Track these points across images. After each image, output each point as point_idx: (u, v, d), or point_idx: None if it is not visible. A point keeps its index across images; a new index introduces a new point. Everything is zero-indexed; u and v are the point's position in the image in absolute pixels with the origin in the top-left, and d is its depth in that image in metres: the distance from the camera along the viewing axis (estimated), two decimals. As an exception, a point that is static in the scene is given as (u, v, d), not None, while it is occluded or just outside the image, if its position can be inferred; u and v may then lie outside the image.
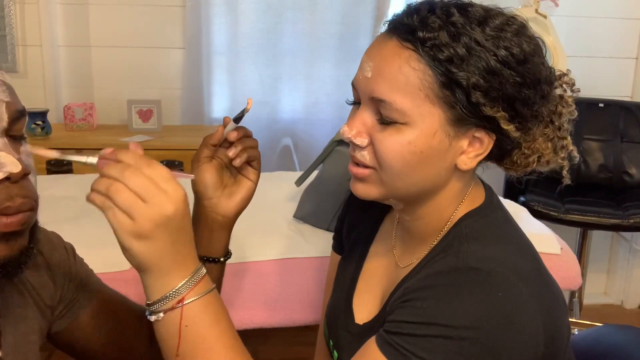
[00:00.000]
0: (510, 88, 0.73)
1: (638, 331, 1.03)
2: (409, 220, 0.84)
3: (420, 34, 0.72)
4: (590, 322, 2.52)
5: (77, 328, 0.90)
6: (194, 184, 0.89)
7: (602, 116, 2.88)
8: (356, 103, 0.80)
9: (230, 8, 2.90)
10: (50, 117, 2.72)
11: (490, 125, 0.75)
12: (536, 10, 2.55)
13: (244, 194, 0.90)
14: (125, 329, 0.94)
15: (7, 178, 0.65)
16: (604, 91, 2.98)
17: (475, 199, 0.83)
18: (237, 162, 0.87)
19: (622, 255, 3.11)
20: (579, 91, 0.85)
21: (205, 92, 2.92)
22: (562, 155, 0.85)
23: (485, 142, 0.76)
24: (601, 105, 2.89)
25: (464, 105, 0.72)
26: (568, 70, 0.86)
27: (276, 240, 1.53)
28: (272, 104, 3.01)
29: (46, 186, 1.88)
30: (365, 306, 0.90)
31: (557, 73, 0.84)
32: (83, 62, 2.96)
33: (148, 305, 0.72)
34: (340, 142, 1.66)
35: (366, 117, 0.76)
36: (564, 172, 0.86)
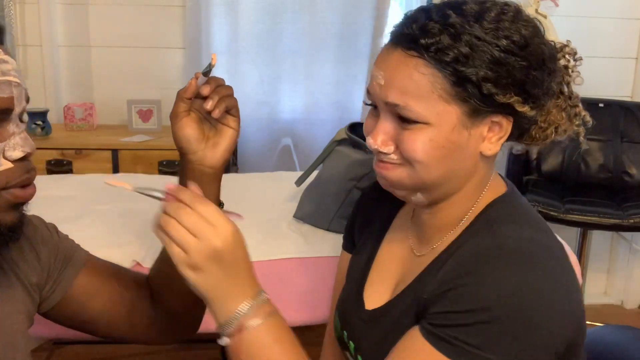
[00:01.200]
0: (518, 73, 0.76)
1: (638, 331, 1.03)
2: (430, 212, 0.86)
3: (423, 41, 0.74)
4: (590, 322, 2.51)
5: (71, 300, 0.90)
6: (177, 140, 0.90)
7: (602, 116, 2.88)
8: (374, 105, 0.83)
9: (230, 8, 2.90)
10: (50, 117, 2.72)
11: (505, 110, 0.77)
12: (536, 10, 2.55)
13: (227, 143, 0.92)
14: (123, 293, 0.95)
15: (24, 156, 0.74)
16: (604, 91, 2.97)
17: (496, 189, 0.86)
18: (215, 114, 0.87)
19: (622, 255, 3.11)
20: (581, 59, 0.89)
21: (205, 92, 2.92)
22: (577, 122, 0.89)
23: (504, 125, 0.79)
24: (601, 105, 2.89)
25: (478, 98, 0.75)
26: (568, 40, 0.89)
27: (276, 240, 1.53)
28: (272, 104, 3.01)
29: (46, 186, 1.88)
30: (376, 293, 0.92)
31: (558, 45, 0.87)
32: (83, 62, 2.96)
33: (218, 331, 0.76)
34: (340, 142, 1.66)
35: (386, 124, 0.80)
36: (581, 138, 0.90)
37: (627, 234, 3.02)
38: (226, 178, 2.39)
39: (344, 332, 0.96)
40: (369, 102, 0.83)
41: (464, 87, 0.75)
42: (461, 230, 0.84)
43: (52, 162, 2.56)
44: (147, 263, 1.37)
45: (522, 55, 0.76)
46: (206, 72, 0.86)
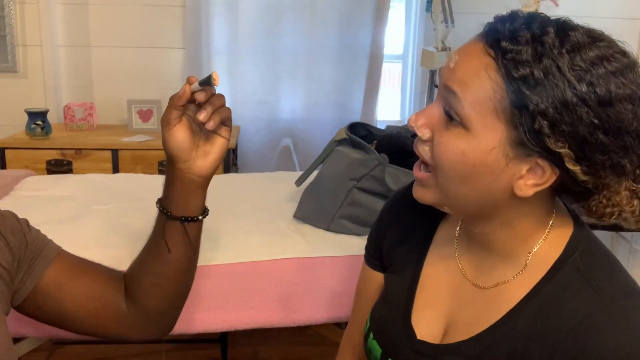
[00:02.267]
0: (583, 128, 0.66)
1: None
2: (480, 233, 0.80)
3: (504, 44, 0.67)
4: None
5: (42, 292, 0.90)
6: (167, 147, 0.87)
7: (602, 116, 2.88)
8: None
9: (230, 8, 2.91)
10: (50, 117, 2.72)
11: (554, 159, 0.69)
12: (536, 11, 2.55)
13: (218, 153, 0.89)
14: (93, 287, 0.94)
15: None
16: (604, 91, 2.97)
17: (563, 223, 0.79)
18: (210, 126, 0.84)
19: (622, 255, 3.10)
20: None
21: (205, 92, 2.92)
22: None
23: (547, 174, 0.70)
24: (601, 105, 2.89)
25: (528, 131, 0.67)
26: None
27: (276, 240, 1.53)
28: (272, 104, 3.01)
29: (46, 186, 1.88)
30: (426, 321, 0.86)
31: None
32: (83, 62, 2.96)
33: None
34: (340, 142, 1.66)
35: (435, 111, 0.74)
36: None
37: (627, 234, 3.01)
38: (226, 178, 2.39)
39: (390, 359, 0.88)
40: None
41: (519, 112, 0.67)
42: (540, 274, 0.76)
43: (52, 162, 2.56)
44: (147, 263, 1.37)
45: (597, 111, 0.65)
46: (203, 83, 0.83)
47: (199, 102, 0.84)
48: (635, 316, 0.69)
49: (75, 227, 1.50)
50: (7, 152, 2.56)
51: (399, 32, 3.27)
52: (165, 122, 0.86)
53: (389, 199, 1.02)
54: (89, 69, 2.97)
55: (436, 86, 0.76)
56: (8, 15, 2.84)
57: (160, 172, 2.54)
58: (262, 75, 2.97)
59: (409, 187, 0.97)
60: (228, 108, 0.88)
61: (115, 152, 2.55)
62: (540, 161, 0.69)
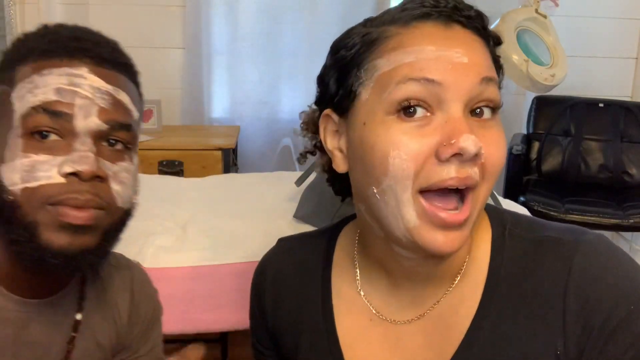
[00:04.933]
0: None
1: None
2: (434, 263, 0.66)
3: (483, 21, 0.65)
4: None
5: None
6: None
7: (602, 116, 2.88)
8: (419, 107, 0.60)
9: (230, 8, 2.91)
10: (50, 117, 2.72)
11: None
12: (536, 10, 2.54)
13: None
14: None
15: (76, 174, 0.67)
16: (604, 91, 2.98)
17: None
18: None
19: (622, 255, 3.11)
20: None
21: (205, 92, 2.93)
22: None
23: None
24: (601, 105, 2.89)
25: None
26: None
27: (276, 241, 1.53)
28: (272, 104, 3.02)
29: (46, 186, 1.88)
30: None
31: None
32: (83, 62, 2.96)
33: None
34: (340, 142, 1.66)
35: (467, 122, 0.59)
36: None
37: (627, 234, 3.02)
38: (226, 178, 2.39)
39: None
40: (406, 104, 0.60)
41: (497, 71, 0.65)
42: (482, 268, 0.67)
43: (52, 162, 2.57)
44: (146, 263, 1.37)
45: None
46: None
47: None
48: (604, 247, 0.65)
49: (75, 227, 1.49)
50: (7, 152, 2.56)
51: (399, 32, 3.28)
52: None
53: (252, 284, 0.89)
54: (89, 69, 2.97)
55: (413, 107, 0.62)
56: (8, 15, 2.84)
57: (160, 172, 2.54)
58: (262, 75, 2.97)
59: (269, 258, 0.91)
60: None
61: (115, 152, 2.55)
62: None
